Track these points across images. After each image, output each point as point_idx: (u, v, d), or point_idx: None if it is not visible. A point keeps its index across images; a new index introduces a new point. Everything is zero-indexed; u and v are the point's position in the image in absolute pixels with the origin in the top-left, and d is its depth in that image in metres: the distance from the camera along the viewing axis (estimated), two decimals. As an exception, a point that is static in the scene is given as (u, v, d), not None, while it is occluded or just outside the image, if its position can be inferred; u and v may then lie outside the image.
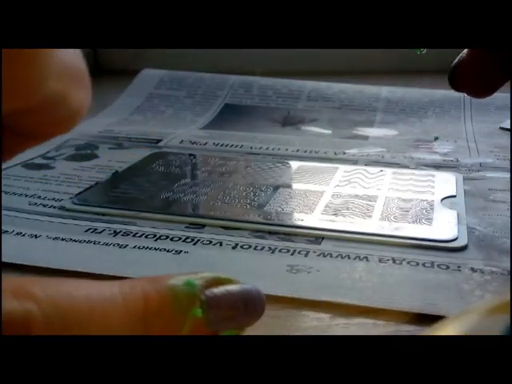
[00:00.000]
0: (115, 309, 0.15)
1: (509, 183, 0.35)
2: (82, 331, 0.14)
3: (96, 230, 0.29)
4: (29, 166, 0.38)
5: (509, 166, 0.38)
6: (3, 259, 0.25)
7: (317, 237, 0.28)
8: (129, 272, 0.25)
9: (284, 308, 0.23)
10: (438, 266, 0.26)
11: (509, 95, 0.48)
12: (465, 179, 0.35)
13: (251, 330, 0.22)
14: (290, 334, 0.22)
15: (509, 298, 0.15)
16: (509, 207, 0.32)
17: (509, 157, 0.39)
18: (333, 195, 0.33)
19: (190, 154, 0.40)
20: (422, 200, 0.32)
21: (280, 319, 0.23)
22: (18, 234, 0.29)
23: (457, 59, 0.26)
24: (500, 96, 0.49)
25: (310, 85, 0.51)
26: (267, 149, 0.40)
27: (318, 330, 0.22)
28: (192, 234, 0.28)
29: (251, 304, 0.17)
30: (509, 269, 0.25)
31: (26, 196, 0.33)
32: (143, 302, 0.15)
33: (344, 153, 0.40)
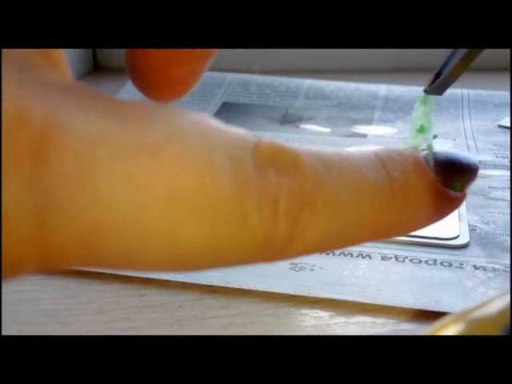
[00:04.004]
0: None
1: (508, 181, 0.35)
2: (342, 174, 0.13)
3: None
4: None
5: (508, 164, 0.38)
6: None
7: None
8: (132, 271, 0.25)
9: (283, 307, 0.24)
10: (441, 263, 0.26)
11: (507, 93, 0.48)
12: (465, 177, 0.35)
13: (250, 330, 0.22)
14: (290, 332, 0.22)
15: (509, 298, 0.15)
16: (509, 205, 0.32)
17: (508, 154, 0.39)
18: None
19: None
20: (422, 198, 0.32)
21: (279, 318, 0.23)
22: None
23: None
24: (498, 94, 0.49)
25: (307, 83, 0.51)
26: (266, 147, 0.40)
27: (317, 328, 0.22)
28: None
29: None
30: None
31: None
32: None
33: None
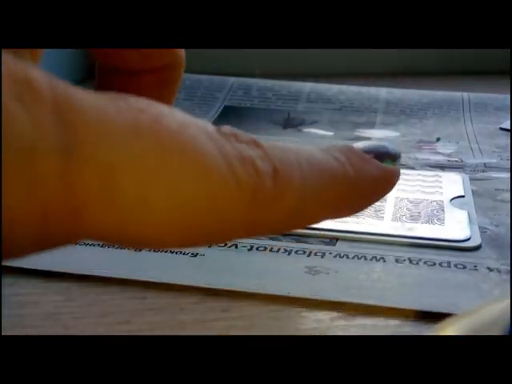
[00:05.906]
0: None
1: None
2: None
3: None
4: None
5: (513, 166, 0.38)
6: (5, 263, 0.25)
7: (331, 238, 0.28)
8: (145, 276, 0.25)
9: (284, 310, 0.23)
10: (455, 265, 0.26)
11: (507, 96, 0.48)
12: (471, 179, 0.36)
13: (251, 333, 0.22)
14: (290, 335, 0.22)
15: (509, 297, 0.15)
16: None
17: (512, 157, 0.39)
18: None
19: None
20: (431, 200, 0.32)
21: (280, 321, 0.23)
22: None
23: None
24: (499, 97, 0.50)
25: (309, 86, 0.51)
26: (271, 151, 0.40)
27: (317, 331, 0.22)
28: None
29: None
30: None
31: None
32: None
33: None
